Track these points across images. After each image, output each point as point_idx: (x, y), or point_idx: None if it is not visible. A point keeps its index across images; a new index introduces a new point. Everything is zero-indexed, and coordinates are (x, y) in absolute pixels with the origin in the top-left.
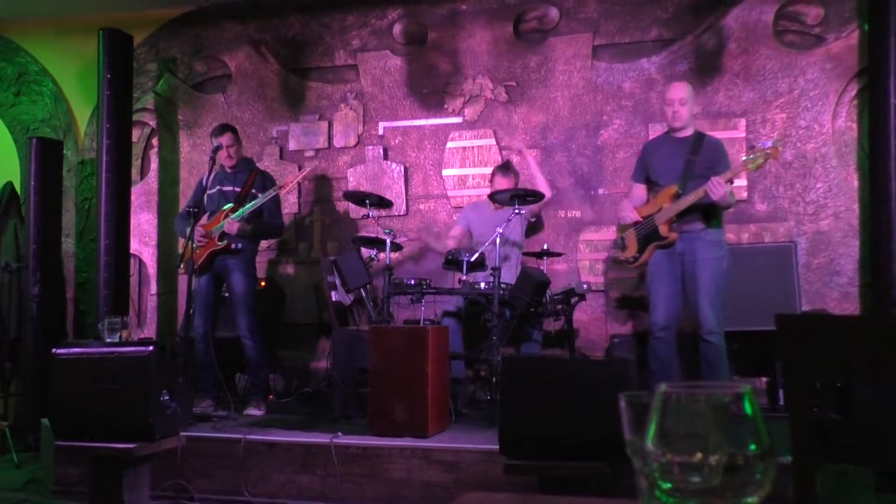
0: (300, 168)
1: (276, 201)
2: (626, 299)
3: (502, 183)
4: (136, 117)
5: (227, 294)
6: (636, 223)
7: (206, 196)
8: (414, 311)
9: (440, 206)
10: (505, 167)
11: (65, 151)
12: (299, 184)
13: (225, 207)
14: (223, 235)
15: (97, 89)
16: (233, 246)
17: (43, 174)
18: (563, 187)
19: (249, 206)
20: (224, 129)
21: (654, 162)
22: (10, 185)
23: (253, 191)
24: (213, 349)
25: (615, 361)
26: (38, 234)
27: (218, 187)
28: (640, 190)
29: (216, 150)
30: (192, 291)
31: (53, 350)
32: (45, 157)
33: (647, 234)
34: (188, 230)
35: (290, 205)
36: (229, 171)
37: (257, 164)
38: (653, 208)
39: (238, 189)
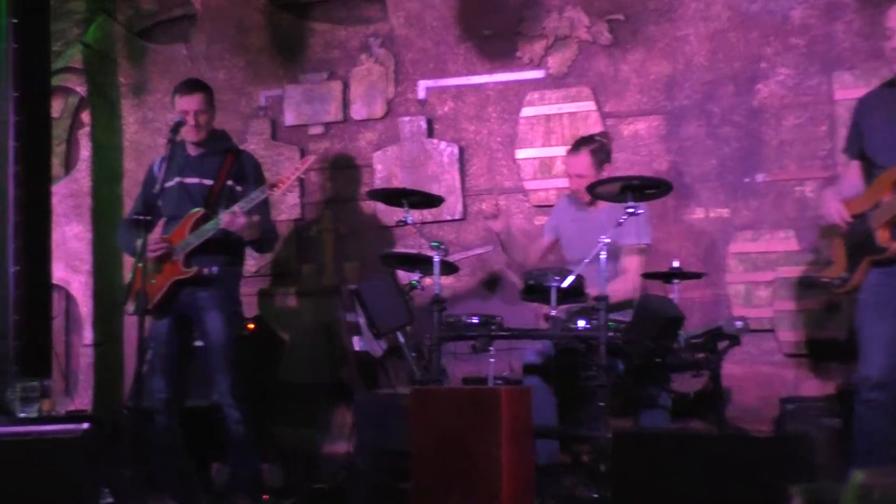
0: (303, 154)
1: (265, 203)
2: (807, 343)
3: (569, 164)
4: (56, 81)
5: (199, 342)
6: (847, 224)
7: (160, 191)
8: (478, 364)
9: (514, 205)
10: (574, 143)
11: None
12: (301, 179)
13: (193, 211)
14: (190, 258)
15: None
16: (205, 271)
17: None
18: (700, 173)
19: (248, 204)
20: (193, 87)
21: (869, 129)
22: None
23: (229, 182)
24: (180, 425)
25: (788, 439)
26: None
27: (177, 179)
28: (855, 172)
29: (177, 126)
30: (147, 339)
31: None
32: None
33: (858, 243)
34: (138, 246)
35: (287, 207)
36: (193, 154)
37: (233, 141)
38: (865, 203)
39: (209, 181)
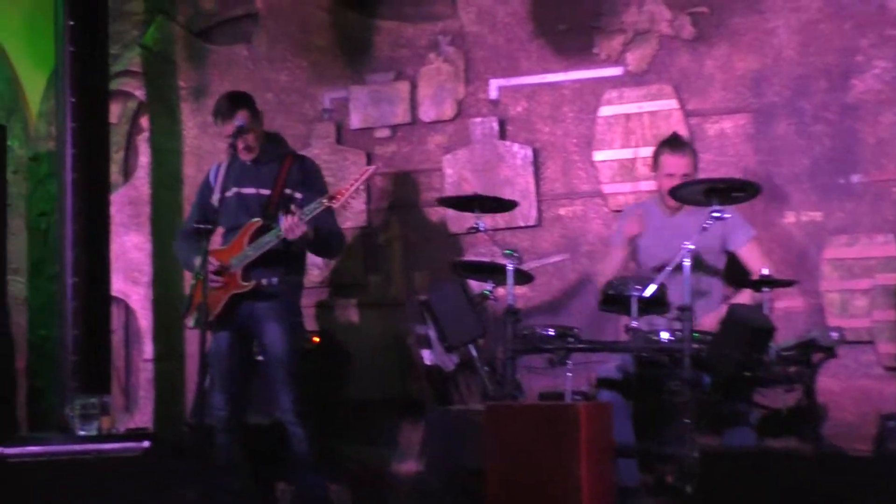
0: (369, 159)
1: (328, 209)
2: None
3: (673, 165)
4: (114, 85)
5: (260, 357)
6: None
7: (217, 201)
8: (554, 378)
9: (591, 210)
10: (675, 142)
11: (9, 142)
12: (362, 188)
13: (251, 221)
14: (249, 270)
15: (55, 45)
16: (264, 282)
17: None
18: (790, 174)
19: (311, 211)
20: (235, 103)
21: None
22: None
23: (287, 191)
24: (242, 443)
25: (889, 459)
26: None
27: (234, 189)
28: None
29: (239, 131)
30: (208, 354)
31: None
32: None
33: None
34: (196, 260)
35: (353, 214)
36: (250, 161)
37: (289, 145)
38: None
39: (266, 191)
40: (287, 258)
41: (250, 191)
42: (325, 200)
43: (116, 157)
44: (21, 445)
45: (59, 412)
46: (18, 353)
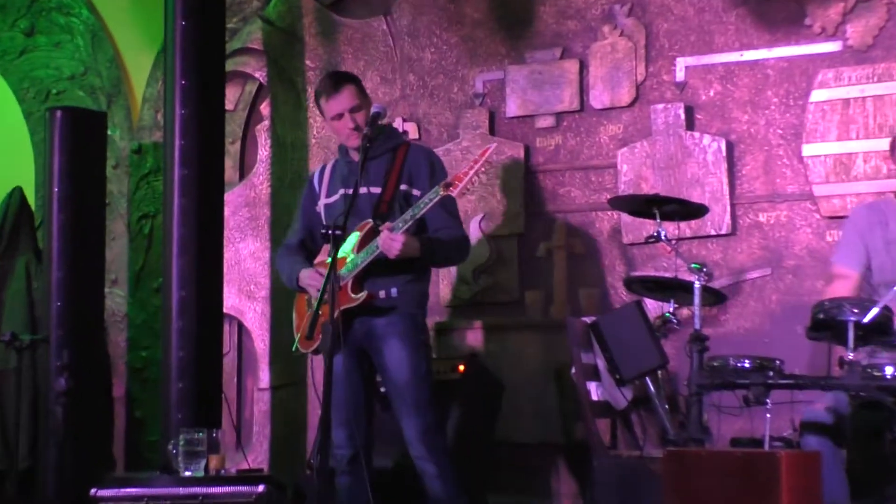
0: (528, 152)
1: (447, 204)
2: None
3: None
4: (231, 65)
5: (384, 389)
6: None
7: (322, 208)
8: (751, 420)
9: (799, 216)
10: None
11: (110, 131)
12: (483, 173)
13: (361, 223)
14: (361, 280)
15: (164, 20)
16: (381, 294)
17: (73, 172)
18: None
19: (415, 213)
20: (337, 82)
21: None
22: (18, 193)
23: (403, 187)
24: (371, 488)
25: None
26: (65, 281)
27: (341, 191)
28: None
29: (374, 118)
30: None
31: (91, 491)
32: (77, 141)
33: None
34: (300, 275)
35: (508, 219)
36: (357, 159)
37: (402, 135)
38: None
39: (376, 190)
40: (407, 262)
41: (361, 190)
42: (440, 189)
43: (232, 149)
44: (117, 486)
45: (162, 448)
46: (116, 379)
